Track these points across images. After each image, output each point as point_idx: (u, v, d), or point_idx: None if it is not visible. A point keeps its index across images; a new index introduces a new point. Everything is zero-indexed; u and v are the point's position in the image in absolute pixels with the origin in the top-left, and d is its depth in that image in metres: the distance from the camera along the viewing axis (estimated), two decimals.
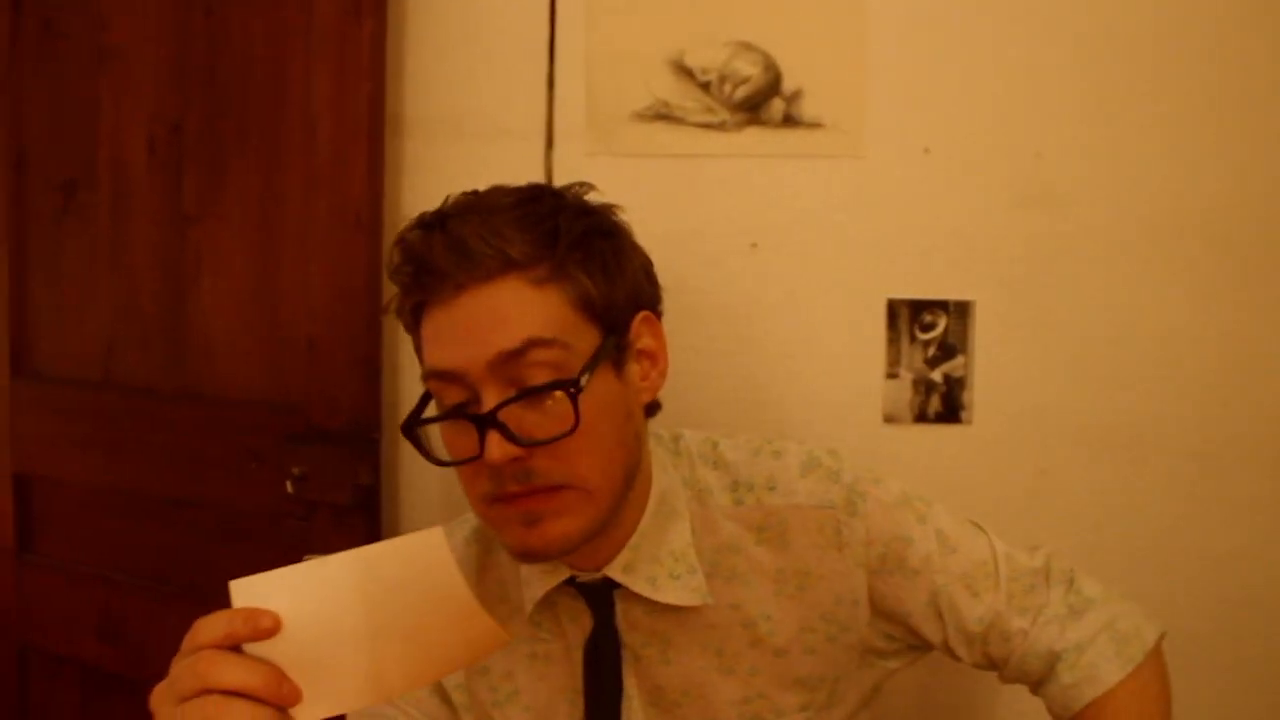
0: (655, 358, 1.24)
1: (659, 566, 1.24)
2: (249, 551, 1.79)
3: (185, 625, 1.85)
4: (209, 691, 0.91)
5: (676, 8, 1.64)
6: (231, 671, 0.91)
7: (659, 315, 1.26)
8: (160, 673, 1.93)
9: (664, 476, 1.27)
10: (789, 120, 1.62)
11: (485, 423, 1.10)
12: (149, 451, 1.88)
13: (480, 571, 1.34)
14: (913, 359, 1.62)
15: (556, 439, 1.10)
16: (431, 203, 1.70)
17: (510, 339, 1.10)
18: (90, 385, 1.96)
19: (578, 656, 1.27)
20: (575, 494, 1.14)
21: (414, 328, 1.20)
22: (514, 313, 1.11)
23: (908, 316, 1.62)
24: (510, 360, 1.11)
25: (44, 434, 2.03)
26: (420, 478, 1.75)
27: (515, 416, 1.11)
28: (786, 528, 1.26)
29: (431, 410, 1.19)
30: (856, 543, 1.25)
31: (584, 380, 1.11)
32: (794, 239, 1.63)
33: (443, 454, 1.19)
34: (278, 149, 1.74)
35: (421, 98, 1.74)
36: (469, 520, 1.35)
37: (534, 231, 1.13)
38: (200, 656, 0.92)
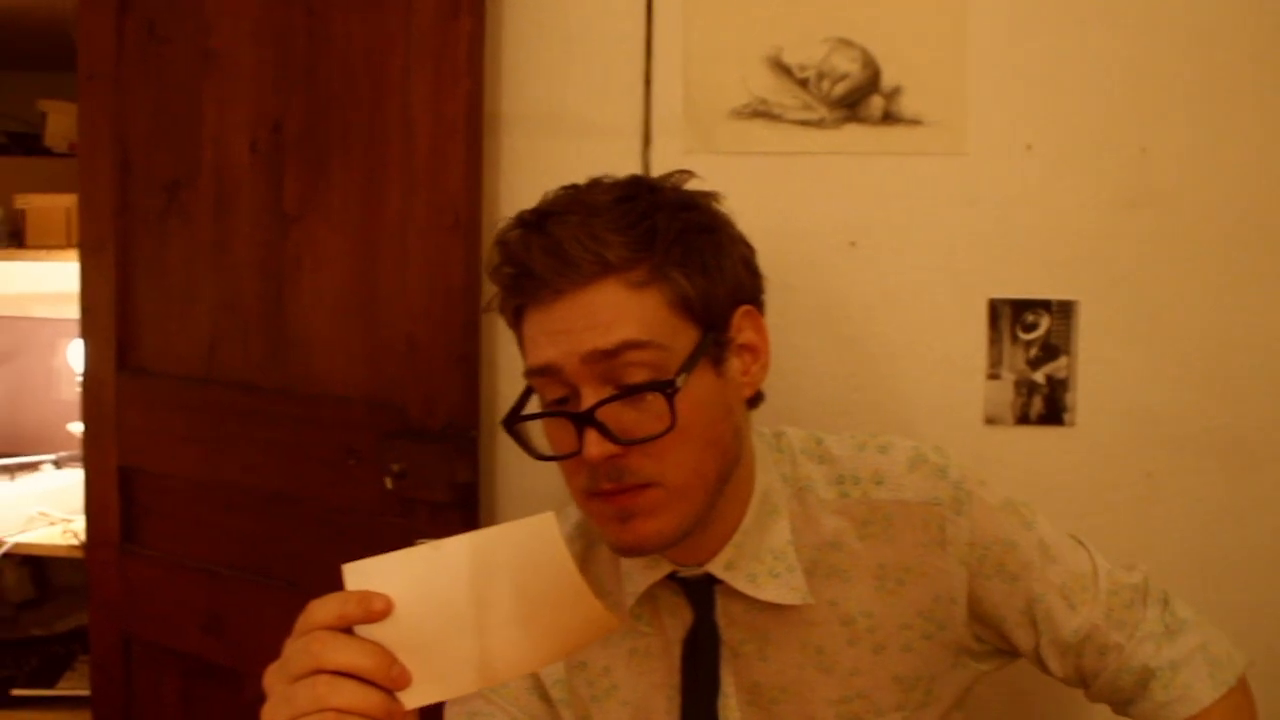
0: (757, 351, 1.24)
1: (759, 564, 1.25)
2: (348, 547, 1.80)
3: (285, 618, 1.88)
4: (320, 671, 0.92)
5: (774, 4, 1.63)
6: (343, 652, 0.93)
7: (761, 307, 1.25)
8: (260, 665, 1.96)
9: (766, 474, 1.27)
10: (888, 117, 1.61)
11: (584, 421, 1.12)
12: (250, 447, 1.91)
13: (582, 565, 1.34)
14: (1014, 360, 1.60)
15: (653, 438, 1.12)
16: (529, 201, 1.71)
17: (606, 339, 1.12)
18: (193, 381, 1.99)
19: (676, 652, 1.28)
20: (663, 492, 1.15)
21: (516, 325, 1.22)
22: (611, 316, 1.12)
23: (1010, 316, 1.59)
24: (606, 358, 1.12)
25: (148, 428, 2.06)
26: (517, 475, 1.75)
27: (614, 415, 1.12)
28: (891, 522, 1.26)
29: (533, 407, 1.21)
30: (960, 541, 1.25)
31: (680, 380, 1.12)
32: (894, 237, 1.61)
33: (543, 448, 1.20)
34: (377, 148, 1.75)
35: (518, 95, 1.74)
36: (572, 514, 1.36)
37: (631, 233, 1.14)
38: (313, 637, 0.94)
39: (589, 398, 1.13)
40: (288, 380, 1.86)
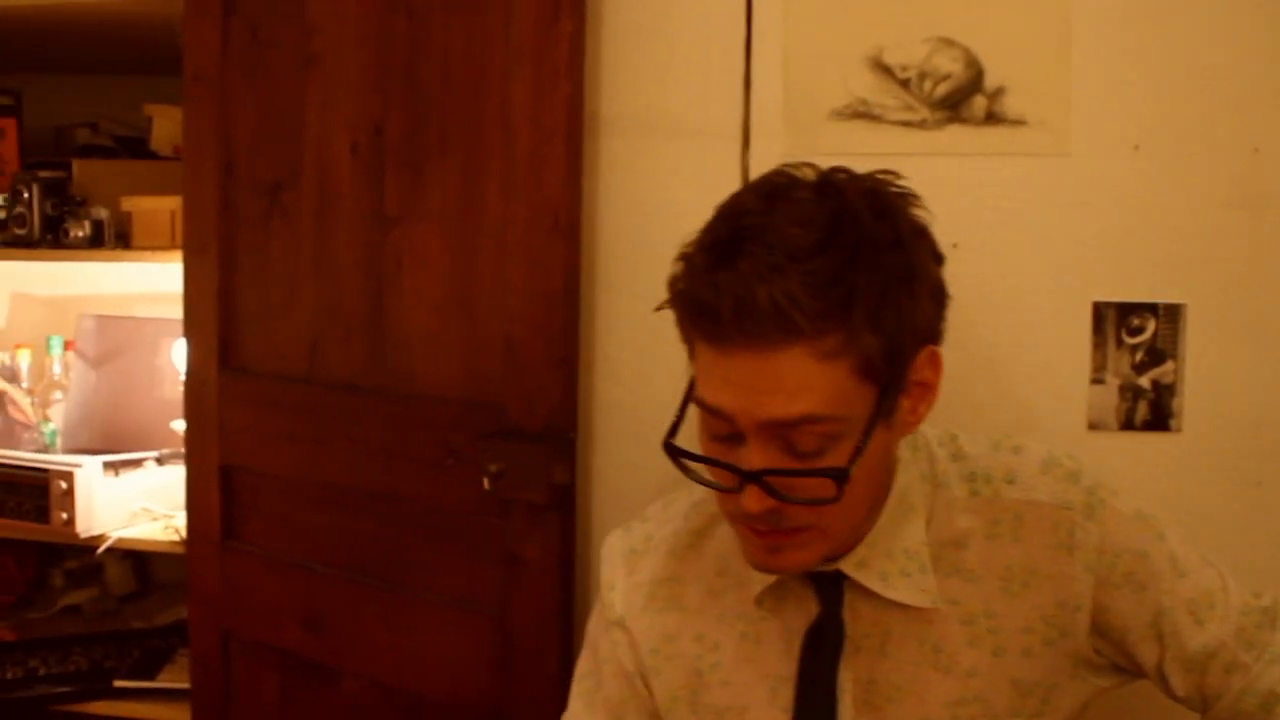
0: (928, 389, 1.20)
1: (892, 563, 1.24)
2: (446, 547, 1.83)
3: (383, 616, 1.91)
4: None
5: (875, 4, 1.62)
6: None
7: (941, 338, 1.20)
8: (358, 662, 1.98)
9: (905, 473, 1.26)
10: (991, 117, 1.59)
11: (749, 479, 1.11)
12: (349, 446, 1.93)
13: (699, 539, 1.35)
14: (1119, 364, 1.57)
15: (815, 503, 1.11)
16: (627, 203, 1.73)
17: (786, 410, 1.09)
18: (294, 380, 2.02)
19: (796, 642, 1.27)
20: (818, 533, 1.16)
21: (689, 342, 1.18)
22: (794, 384, 1.08)
23: (1114, 319, 1.57)
24: (782, 426, 1.10)
25: (249, 427, 2.09)
26: (614, 478, 1.76)
27: (779, 481, 1.12)
28: (1021, 523, 1.24)
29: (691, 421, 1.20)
30: (1089, 548, 1.22)
31: (854, 468, 1.10)
32: (996, 239, 1.59)
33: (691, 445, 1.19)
34: (477, 150, 1.76)
35: (617, 97, 1.75)
36: (695, 491, 1.35)
37: (827, 299, 1.06)
38: None
39: (756, 456, 1.11)
40: (388, 380, 1.88)
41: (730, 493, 1.15)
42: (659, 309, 1.19)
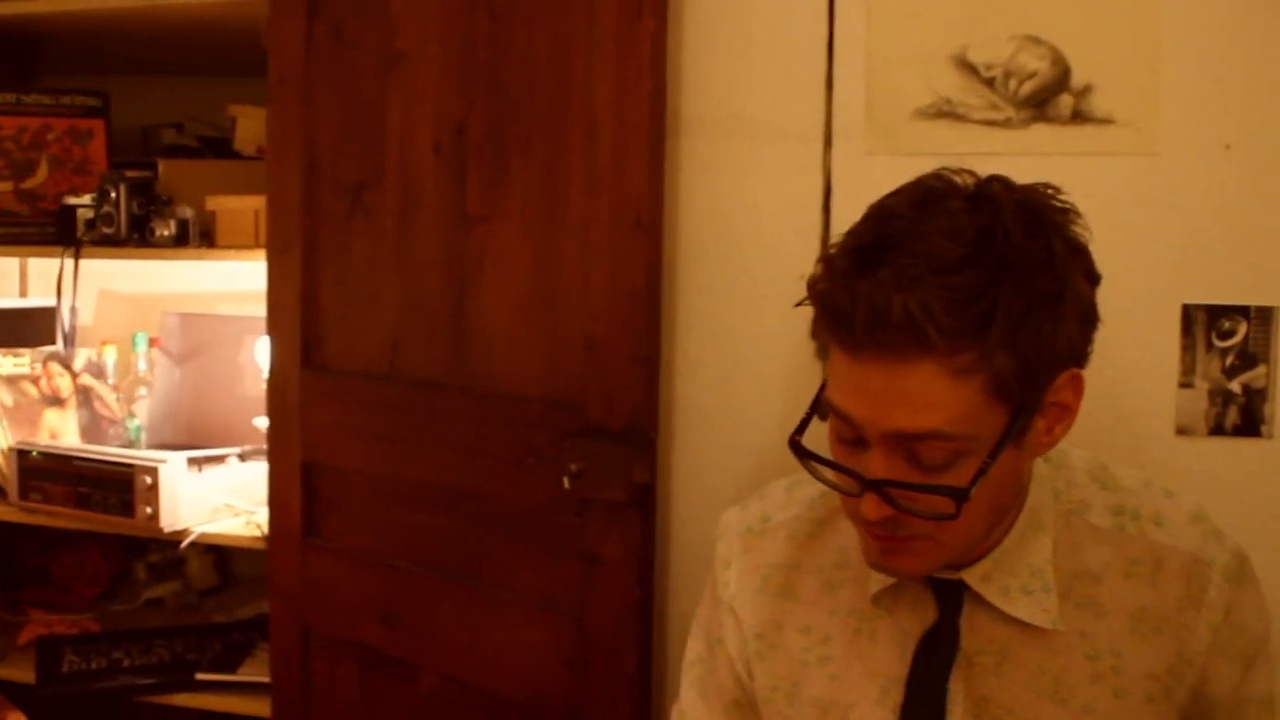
0: (1066, 411, 1.17)
1: (1015, 578, 1.23)
2: (525, 545, 1.83)
3: (460, 613, 1.92)
4: None
5: (960, 2, 1.61)
6: None
7: (1086, 362, 1.18)
8: (436, 659, 1.99)
9: (1039, 490, 1.25)
10: (1078, 116, 1.57)
11: (870, 486, 1.11)
12: (430, 444, 1.95)
13: (821, 529, 1.35)
14: (1209, 368, 1.54)
15: (932, 517, 1.11)
16: (708, 203, 1.73)
17: (912, 423, 1.09)
18: (375, 378, 2.03)
19: (910, 645, 1.26)
20: (933, 544, 1.16)
21: (826, 343, 1.19)
22: (923, 399, 1.07)
23: (1204, 322, 1.54)
24: (908, 439, 1.10)
25: (330, 424, 2.11)
26: (694, 478, 1.76)
27: (900, 493, 1.12)
28: (1161, 567, 1.22)
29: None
30: (1218, 609, 1.21)
31: (974, 489, 1.09)
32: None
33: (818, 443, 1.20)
34: (559, 149, 1.77)
35: (699, 97, 1.75)
36: (800, 492, 1.37)
37: (965, 315, 1.04)
38: None
39: (879, 464, 1.11)
40: (468, 378, 1.89)
41: (851, 496, 1.15)
42: (799, 305, 1.17)
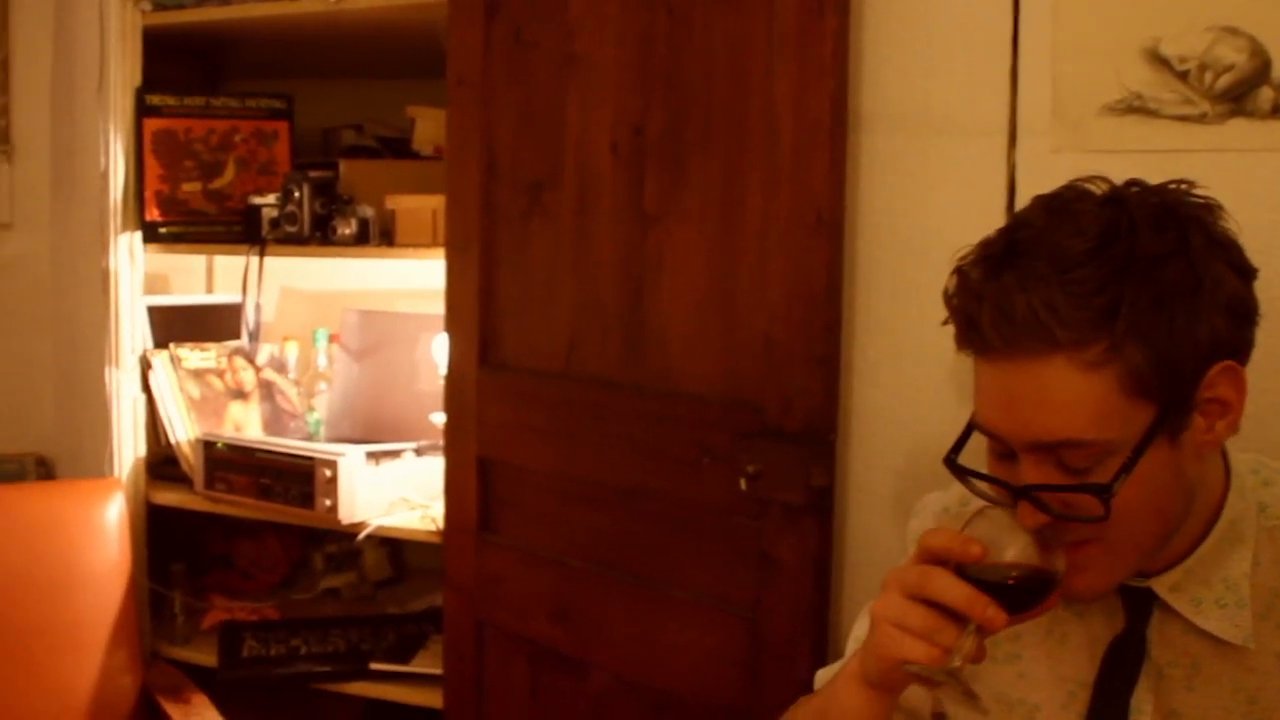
0: (1226, 408, 1.14)
1: (1208, 590, 1.18)
2: (698, 546, 1.83)
3: (633, 612, 1.93)
4: (926, 598, 1.10)
5: None
6: (952, 590, 1.09)
7: (1246, 357, 1.15)
8: (607, 657, 2.01)
9: (1241, 500, 1.20)
10: (1279, 111, 1.50)
11: (1019, 495, 1.12)
12: (605, 442, 1.96)
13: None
14: None
15: (1085, 520, 1.10)
16: (888, 202, 1.70)
17: (1050, 430, 1.09)
18: (551, 376, 2.05)
19: (1099, 652, 1.23)
20: (1100, 550, 1.13)
21: (964, 352, 1.18)
22: (1059, 400, 1.08)
23: None
24: (1049, 448, 1.10)
25: (506, 421, 2.14)
26: (871, 481, 1.73)
27: (1049, 496, 1.11)
28: None
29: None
30: None
31: (1117, 485, 1.08)
32: None
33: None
34: (738, 149, 1.76)
35: (879, 94, 1.72)
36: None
37: (1090, 308, 1.05)
38: (931, 571, 1.11)
39: (1028, 472, 1.12)
40: (644, 378, 1.90)
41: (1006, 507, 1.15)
42: (945, 324, 1.19)
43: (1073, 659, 1.25)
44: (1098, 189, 1.14)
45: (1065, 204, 1.12)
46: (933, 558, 1.11)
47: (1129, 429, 1.08)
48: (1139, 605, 1.21)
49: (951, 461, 1.19)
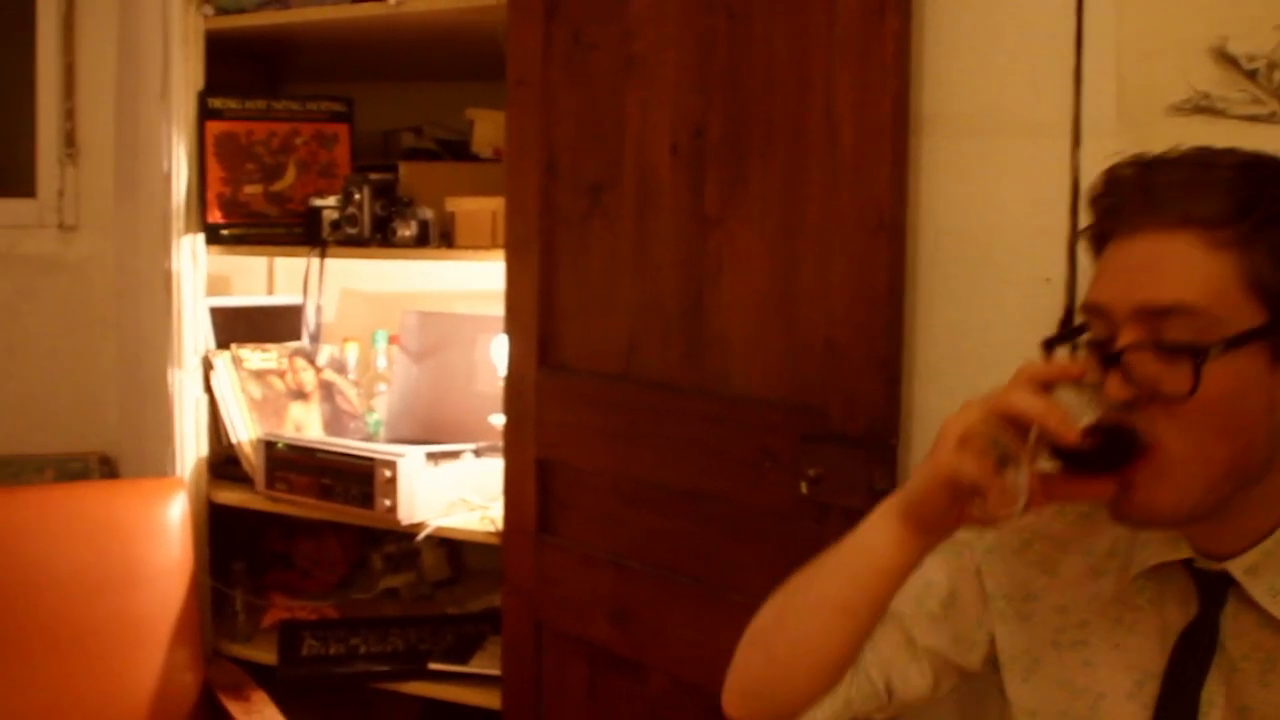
0: None
1: None
2: (758, 549, 1.82)
3: (691, 615, 1.92)
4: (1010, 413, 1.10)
5: None
6: (1024, 395, 1.10)
7: None
8: (666, 660, 1.99)
9: None
10: None
11: (1111, 361, 1.12)
12: (664, 445, 1.95)
13: (1096, 511, 1.29)
14: None
15: (1170, 398, 1.09)
16: (949, 204, 1.69)
17: (1160, 295, 1.10)
18: (610, 378, 2.05)
19: (1169, 641, 1.21)
20: (1162, 460, 1.11)
21: (1095, 257, 1.21)
22: (1176, 268, 1.10)
23: None
24: (1155, 316, 1.11)
25: (566, 423, 2.14)
26: None
27: (1141, 363, 1.11)
28: None
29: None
30: None
31: (1214, 352, 1.08)
32: None
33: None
34: (798, 151, 1.75)
35: (940, 95, 1.70)
36: None
37: (1229, 197, 1.10)
38: (1022, 386, 1.11)
39: (1124, 338, 1.12)
40: (704, 380, 1.89)
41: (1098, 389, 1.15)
42: (1049, 343, 1.22)
43: (1141, 647, 1.23)
44: None
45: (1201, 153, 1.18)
46: (1015, 417, 1.10)
47: (1237, 318, 1.09)
48: (1214, 593, 1.18)
49: (1047, 347, 1.20)
